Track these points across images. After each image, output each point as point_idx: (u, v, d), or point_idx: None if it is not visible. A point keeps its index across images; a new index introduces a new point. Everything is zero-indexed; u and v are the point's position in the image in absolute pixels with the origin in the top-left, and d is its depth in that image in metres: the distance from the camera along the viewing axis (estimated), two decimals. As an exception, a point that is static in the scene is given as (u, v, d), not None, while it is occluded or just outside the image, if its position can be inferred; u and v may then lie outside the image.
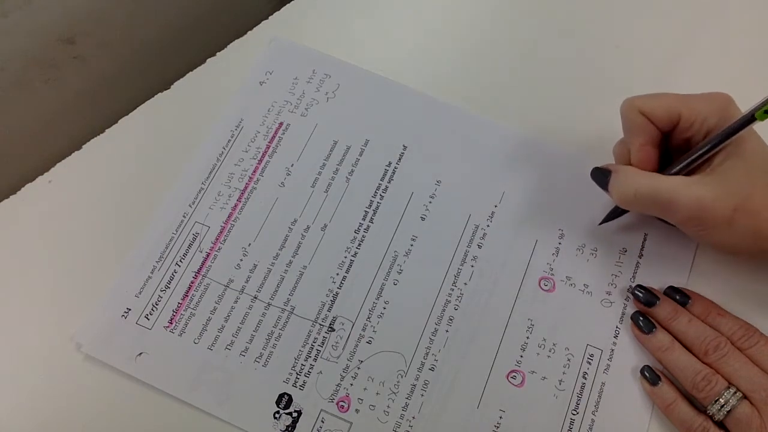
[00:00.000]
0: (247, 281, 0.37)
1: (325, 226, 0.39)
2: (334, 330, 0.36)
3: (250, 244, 0.38)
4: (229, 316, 0.37)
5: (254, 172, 0.40)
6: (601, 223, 0.38)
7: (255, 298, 0.37)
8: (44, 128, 0.46)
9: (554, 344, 0.36)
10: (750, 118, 0.30)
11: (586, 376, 0.35)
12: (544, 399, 0.35)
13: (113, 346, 0.36)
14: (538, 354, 0.36)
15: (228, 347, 0.36)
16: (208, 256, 0.38)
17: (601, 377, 0.35)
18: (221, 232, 0.39)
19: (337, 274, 0.38)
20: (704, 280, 0.37)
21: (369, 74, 0.43)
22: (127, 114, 0.42)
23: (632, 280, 0.37)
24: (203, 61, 0.43)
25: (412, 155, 0.40)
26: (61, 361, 0.36)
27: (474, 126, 0.41)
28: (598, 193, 0.36)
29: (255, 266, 0.38)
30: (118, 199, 0.40)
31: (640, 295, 0.36)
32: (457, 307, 0.37)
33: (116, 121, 0.42)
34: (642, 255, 0.38)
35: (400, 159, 0.40)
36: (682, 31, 0.44)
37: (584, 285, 0.37)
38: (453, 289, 0.37)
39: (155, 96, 0.42)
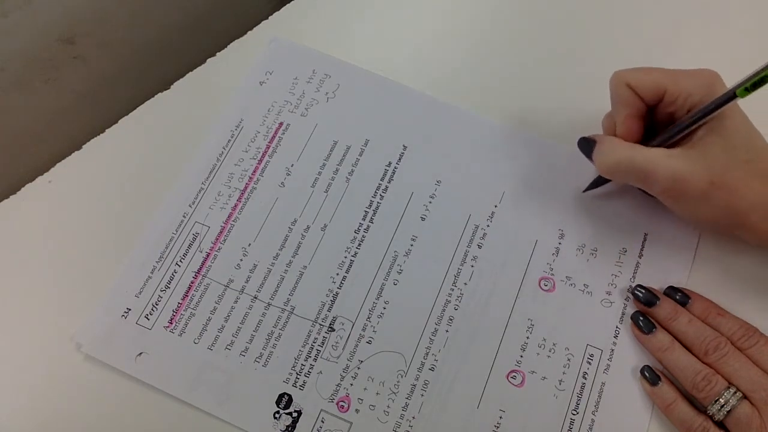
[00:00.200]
0: (247, 281, 0.37)
1: (325, 226, 0.39)
2: (334, 330, 0.36)
3: (250, 244, 0.38)
4: (229, 316, 0.37)
5: (254, 172, 0.40)
6: (585, 191, 0.38)
7: (255, 298, 0.37)
8: (44, 128, 0.46)
9: (554, 344, 0.36)
10: (731, 96, 0.30)
11: (586, 376, 0.35)
12: (544, 399, 0.35)
13: (113, 346, 0.36)
14: (538, 354, 0.36)
15: (228, 347, 0.36)
16: (208, 256, 0.38)
17: (601, 377, 0.35)
18: (221, 232, 0.39)
19: (337, 274, 0.38)
20: (704, 280, 0.37)
21: (369, 74, 0.43)
22: (127, 114, 0.42)
23: (632, 280, 0.37)
24: (203, 61, 0.43)
25: (412, 155, 0.40)
26: (61, 361, 0.36)
27: (474, 126, 0.41)
28: (599, 193, 0.36)
29: (255, 266, 0.38)
30: (118, 199, 0.40)
31: (640, 294, 0.36)
32: (457, 307, 0.37)
33: (116, 121, 0.42)
34: (642, 255, 0.38)
35: (400, 159, 0.40)
36: (683, 32, 0.44)
37: (584, 285, 0.37)
38: (453, 289, 0.37)
39: (155, 96, 0.42)
